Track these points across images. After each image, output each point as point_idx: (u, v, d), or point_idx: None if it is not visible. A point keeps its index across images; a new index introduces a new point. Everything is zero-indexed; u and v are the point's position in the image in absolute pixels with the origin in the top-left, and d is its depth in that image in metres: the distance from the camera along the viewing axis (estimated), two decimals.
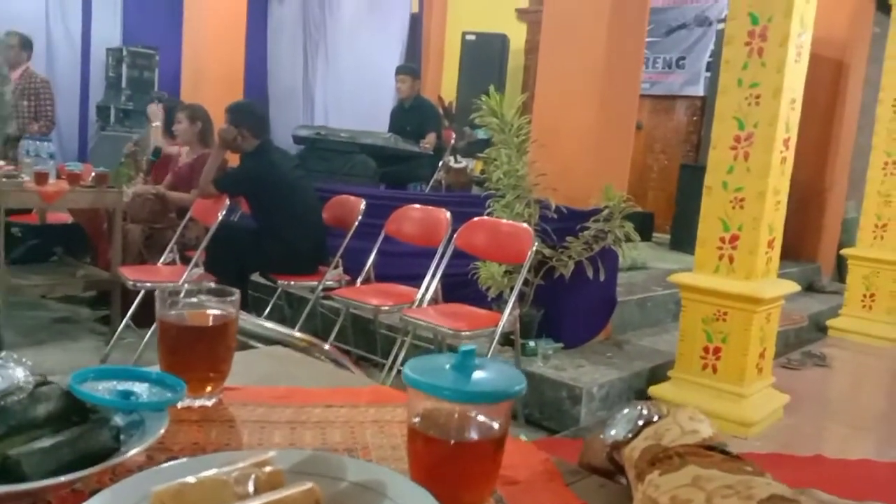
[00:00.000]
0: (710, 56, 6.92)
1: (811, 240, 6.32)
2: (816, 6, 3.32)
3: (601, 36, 3.68)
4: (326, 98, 9.31)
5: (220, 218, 3.64)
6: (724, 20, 6.70)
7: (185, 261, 3.97)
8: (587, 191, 3.67)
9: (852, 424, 3.65)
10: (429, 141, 5.67)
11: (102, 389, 0.66)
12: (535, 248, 3.19)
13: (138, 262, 4.01)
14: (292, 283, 3.88)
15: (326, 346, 1.13)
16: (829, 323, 5.28)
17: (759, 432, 3.27)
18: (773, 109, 3.17)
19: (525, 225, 3.30)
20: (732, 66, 3.28)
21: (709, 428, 0.59)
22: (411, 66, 6.67)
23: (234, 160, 4.11)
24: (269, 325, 1.11)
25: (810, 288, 6.06)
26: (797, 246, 6.01)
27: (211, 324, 0.78)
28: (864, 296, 5.12)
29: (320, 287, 3.81)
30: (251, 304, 4.08)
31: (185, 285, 0.81)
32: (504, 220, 3.41)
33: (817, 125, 5.93)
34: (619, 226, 3.55)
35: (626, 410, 0.65)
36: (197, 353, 0.77)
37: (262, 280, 4.04)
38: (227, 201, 3.71)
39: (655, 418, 0.62)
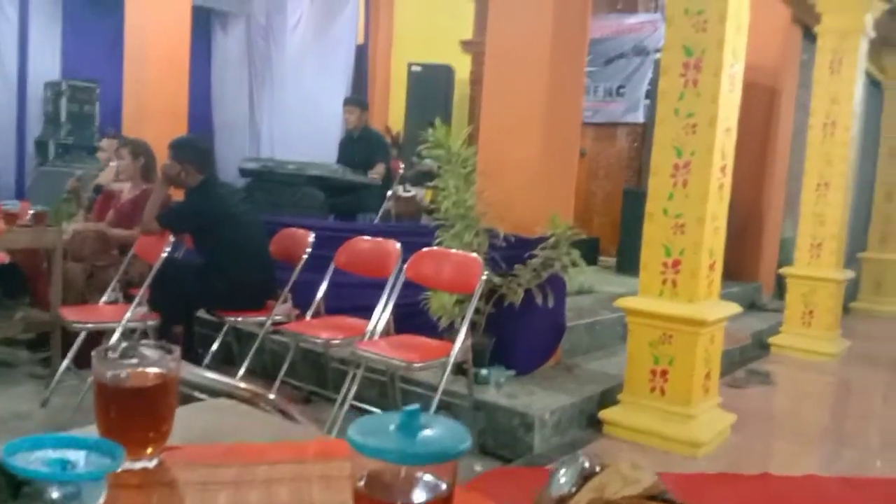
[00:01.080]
0: (649, 84, 7.12)
1: (751, 259, 6.52)
2: (747, 36, 3.46)
3: (543, 67, 3.76)
4: (273, 130, 9.26)
5: (164, 255, 3.56)
6: (660, 50, 6.93)
7: (129, 299, 3.86)
8: (533, 219, 3.72)
9: (797, 440, 3.75)
10: (377, 171, 5.69)
11: (35, 460, 0.64)
12: (484, 277, 3.22)
13: (79, 301, 3.89)
14: (240, 319, 3.82)
15: (271, 396, 1.12)
16: (770, 340, 5.43)
17: (708, 452, 3.33)
18: (710, 138, 3.28)
19: (474, 254, 3.33)
20: (669, 96, 3.38)
21: (650, 476, 0.61)
22: (358, 98, 6.70)
23: (177, 195, 4.05)
24: (212, 375, 1.09)
25: (752, 306, 6.23)
26: (738, 266, 6.18)
27: (151, 383, 0.76)
28: (804, 313, 5.30)
29: (269, 322, 3.75)
30: (197, 342, 4.00)
31: (123, 343, 0.79)
32: (453, 250, 3.43)
33: (754, 148, 6.14)
34: (565, 253, 3.61)
35: (565, 468, 0.66)
36: (136, 415, 0.75)
37: (208, 316, 3.97)
38: (172, 238, 3.64)
39: (597, 469, 0.63)
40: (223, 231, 3.70)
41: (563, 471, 0.66)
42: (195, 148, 3.80)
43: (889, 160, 7.51)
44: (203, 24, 8.74)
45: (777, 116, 6.39)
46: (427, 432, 0.57)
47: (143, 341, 0.82)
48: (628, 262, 6.16)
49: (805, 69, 6.88)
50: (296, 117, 8.76)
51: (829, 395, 4.80)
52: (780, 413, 4.29)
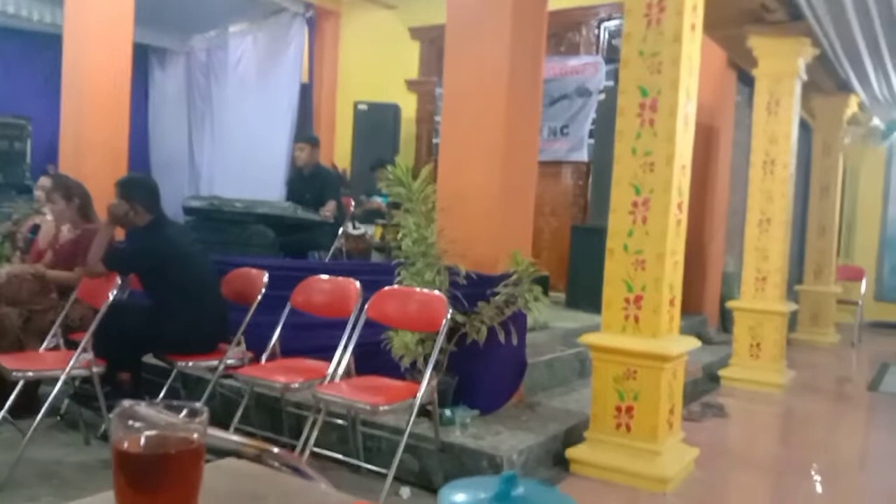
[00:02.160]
0: (592, 124, 7.28)
1: (696, 293, 6.64)
2: None
3: (500, 105, 3.77)
4: (213, 169, 9.08)
5: (110, 299, 3.38)
6: (603, 91, 7.10)
7: (69, 344, 3.66)
8: (494, 256, 3.70)
9: (758, 472, 3.79)
10: (329, 208, 5.61)
11: None
12: (449, 316, 3.17)
13: (16, 347, 3.65)
14: (190, 363, 3.66)
15: (276, 450, 1.04)
16: (720, 373, 5.52)
17: (674, 488, 3.32)
18: (667, 175, 3.34)
19: (438, 293, 3.28)
20: (626, 136, 3.44)
21: None
22: (310, 135, 6.64)
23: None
24: (216, 432, 1.00)
25: (699, 339, 6.33)
26: (684, 299, 6.27)
27: (178, 449, 0.68)
28: (751, 345, 5.41)
29: (221, 366, 3.61)
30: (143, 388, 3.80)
31: (145, 404, 0.71)
32: (417, 289, 3.37)
33: (695, 185, 6.25)
34: (528, 290, 3.60)
35: None
36: (163, 486, 0.67)
37: (154, 361, 3.78)
38: (119, 280, 3.46)
39: None
40: (173, 272, 3.55)
41: None
42: (144, 186, 3.66)
43: (820, 198, 7.84)
44: (140, 61, 8.55)
45: (716, 155, 6.60)
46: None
47: (163, 401, 0.74)
48: (577, 297, 6.23)
49: (739, 110, 7.17)
50: (237, 156, 8.62)
51: (781, 426, 4.89)
52: (738, 445, 4.33)
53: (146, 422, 0.69)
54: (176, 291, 3.56)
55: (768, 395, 5.25)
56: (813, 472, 3.81)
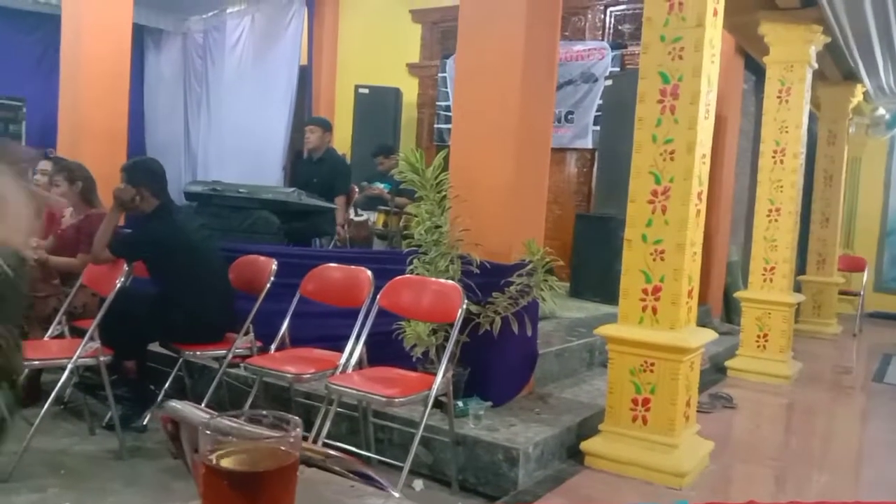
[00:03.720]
0: (598, 111, 7.20)
1: (700, 282, 6.59)
2: None
3: (515, 90, 3.68)
4: (209, 153, 8.96)
5: (118, 286, 3.30)
6: (609, 77, 7.02)
7: (74, 332, 3.58)
8: (508, 245, 3.64)
9: (771, 465, 3.75)
10: (340, 203, 5.52)
11: None
12: (465, 306, 3.11)
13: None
14: (198, 352, 3.59)
15: (334, 453, 0.97)
16: (727, 364, 5.48)
17: (691, 482, 3.28)
18: (688, 164, 3.27)
19: (454, 283, 3.22)
20: (646, 123, 3.36)
21: None
22: (321, 118, 6.52)
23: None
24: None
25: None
26: None
27: (271, 466, 0.61)
28: (759, 336, 5.38)
29: (229, 355, 3.54)
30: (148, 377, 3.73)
31: (229, 415, 0.64)
32: (432, 279, 3.31)
33: None
34: (542, 279, 3.53)
35: None
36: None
37: (159, 349, 3.70)
38: (126, 267, 3.37)
39: None
40: (182, 259, 3.48)
41: None
42: (150, 171, 3.57)
43: (824, 187, 7.81)
44: (136, 42, 8.38)
45: (723, 142, 6.53)
46: None
47: (250, 411, 0.67)
48: (582, 287, 6.18)
49: (746, 98, 7.12)
50: (234, 140, 8.49)
51: (792, 418, 4.86)
52: (749, 437, 4.30)
53: (235, 435, 0.62)
54: (184, 279, 3.48)
55: (776, 386, 5.22)
56: (825, 465, 3.78)
